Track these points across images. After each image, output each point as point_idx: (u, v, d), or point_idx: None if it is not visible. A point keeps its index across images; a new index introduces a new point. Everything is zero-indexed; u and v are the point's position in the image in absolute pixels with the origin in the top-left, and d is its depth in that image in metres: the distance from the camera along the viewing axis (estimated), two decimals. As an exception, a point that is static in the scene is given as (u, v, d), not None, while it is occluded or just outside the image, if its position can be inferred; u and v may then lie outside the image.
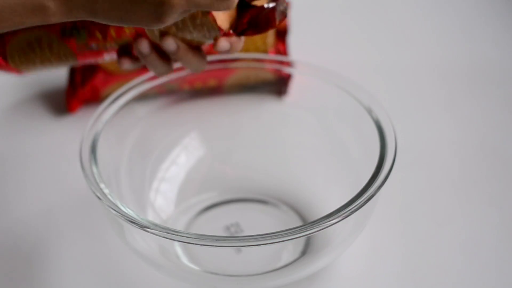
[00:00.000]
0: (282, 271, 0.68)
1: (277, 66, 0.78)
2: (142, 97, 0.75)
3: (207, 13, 0.61)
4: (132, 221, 0.62)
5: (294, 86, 0.87)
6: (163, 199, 0.76)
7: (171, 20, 0.57)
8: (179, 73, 0.76)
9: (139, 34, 0.65)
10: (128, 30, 0.64)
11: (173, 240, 0.61)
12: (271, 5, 0.62)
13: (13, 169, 0.82)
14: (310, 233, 0.61)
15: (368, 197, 0.63)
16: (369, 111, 0.71)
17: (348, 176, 0.73)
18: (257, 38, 0.87)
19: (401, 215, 0.76)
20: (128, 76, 0.87)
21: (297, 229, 0.61)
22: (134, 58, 0.67)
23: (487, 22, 1.04)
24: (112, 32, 0.64)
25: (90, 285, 0.70)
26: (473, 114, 0.88)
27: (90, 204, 0.76)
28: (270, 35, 0.88)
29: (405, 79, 0.94)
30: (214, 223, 0.75)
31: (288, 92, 0.88)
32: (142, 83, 0.75)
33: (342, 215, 0.62)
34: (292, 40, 0.94)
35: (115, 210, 0.63)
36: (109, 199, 0.64)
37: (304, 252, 0.70)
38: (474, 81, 0.93)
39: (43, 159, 0.83)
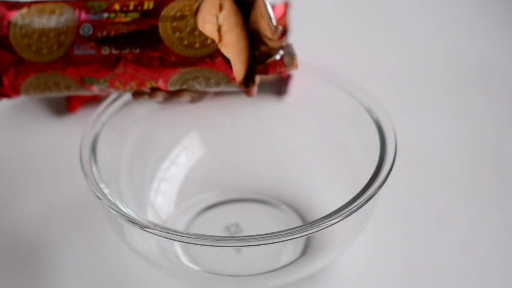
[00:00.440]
0: (282, 271, 0.68)
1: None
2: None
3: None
4: (132, 221, 0.62)
5: (294, 86, 0.87)
6: (163, 199, 0.76)
7: None
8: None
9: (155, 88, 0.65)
10: (150, 85, 0.65)
11: (173, 240, 0.61)
12: (278, 57, 0.66)
13: (13, 169, 0.82)
14: (310, 233, 0.61)
15: (368, 197, 0.63)
16: (369, 111, 0.71)
17: (348, 176, 0.73)
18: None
19: (401, 215, 0.76)
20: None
21: (297, 229, 0.61)
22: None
23: (487, 22, 1.04)
24: (133, 84, 0.65)
25: (90, 285, 0.70)
26: (473, 114, 0.88)
27: (90, 204, 0.76)
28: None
29: (405, 79, 0.94)
30: (214, 223, 0.75)
31: (288, 92, 0.88)
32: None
33: (342, 215, 0.62)
34: (292, 40, 0.94)
35: (115, 210, 0.63)
36: (109, 199, 0.64)
37: (304, 252, 0.70)
38: (474, 81, 0.93)
39: (43, 159, 0.83)
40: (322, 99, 0.76)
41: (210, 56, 0.62)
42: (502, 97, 0.91)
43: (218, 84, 0.63)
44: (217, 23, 0.63)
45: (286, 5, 0.93)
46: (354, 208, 0.62)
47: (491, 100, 0.90)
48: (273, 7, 0.83)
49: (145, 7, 0.63)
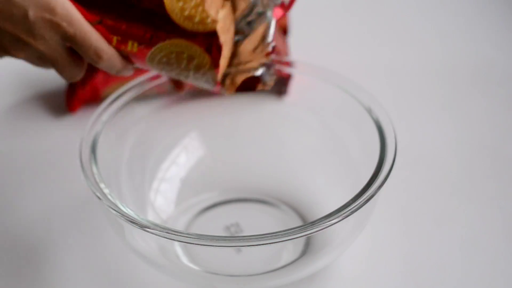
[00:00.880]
0: (282, 271, 0.68)
1: (277, 66, 0.78)
2: (142, 97, 0.75)
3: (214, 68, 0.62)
4: (132, 221, 0.62)
5: (294, 86, 0.87)
6: (163, 199, 0.76)
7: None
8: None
9: None
10: (130, 47, 0.65)
11: (173, 240, 0.61)
12: (259, 73, 0.66)
13: (13, 169, 0.82)
14: (310, 233, 0.61)
15: (368, 197, 0.63)
16: (369, 111, 0.71)
17: (348, 176, 0.73)
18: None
19: (401, 215, 0.76)
20: (128, 76, 0.87)
21: (297, 229, 0.61)
22: None
23: (487, 22, 1.04)
24: (115, 40, 0.64)
25: (90, 285, 0.70)
26: (473, 114, 0.88)
27: (90, 204, 0.76)
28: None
29: (405, 79, 0.94)
30: (214, 223, 0.75)
31: (288, 92, 0.88)
32: (142, 83, 0.75)
33: (342, 215, 0.62)
34: (292, 40, 0.95)
35: (115, 210, 0.63)
36: (109, 199, 0.64)
37: (304, 252, 0.70)
38: (474, 81, 0.93)
39: (43, 159, 0.83)
40: (322, 99, 0.76)
41: (205, 35, 0.62)
42: (502, 97, 0.91)
43: (197, 68, 0.63)
44: (217, 16, 0.63)
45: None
46: (354, 208, 0.62)
47: (491, 100, 0.90)
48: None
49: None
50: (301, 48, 0.95)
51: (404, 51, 0.99)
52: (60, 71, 0.64)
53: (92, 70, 0.88)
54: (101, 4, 0.63)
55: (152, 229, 0.61)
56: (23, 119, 0.89)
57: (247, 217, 0.75)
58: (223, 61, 0.64)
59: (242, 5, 0.66)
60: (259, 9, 0.66)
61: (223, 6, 0.63)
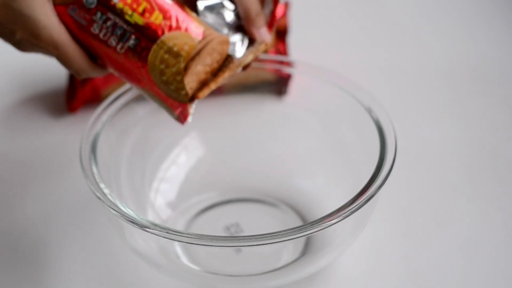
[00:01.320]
0: (282, 271, 0.68)
1: (277, 66, 0.78)
2: (142, 97, 0.75)
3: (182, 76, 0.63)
4: (132, 221, 0.62)
5: (294, 86, 0.87)
6: (163, 199, 0.76)
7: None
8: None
9: None
10: None
11: (173, 240, 0.61)
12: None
13: (13, 169, 0.82)
14: (310, 233, 0.61)
15: (368, 197, 0.63)
16: (369, 111, 0.71)
17: (348, 176, 0.72)
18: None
19: (401, 215, 0.76)
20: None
21: (297, 229, 0.61)
22: None
23: (487, 22, 1.04)
24: None
25: (90, 285, 0.70)
26: (473, 114, 0.88)
27: (90, 204, 0.76)
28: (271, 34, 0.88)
29: (405, 79, 0.94)
30: (214, 223, 0.75)
31: (288, 92, 0.88)
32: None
33: (342, 215, 0.62)
34: (292, 40, 0.95)
35: (115, 210, 0.63)
36: (109, 199, 0.64)
37: (304, 252, 0.70)
38: (474, 81, 0.93)
39: (43, 159, 0.83)
40: (322, 99, 0.76)
41: (177, 101, 0.63)
42: (502, 97, 0.91)
43: (166, 110, 0.65)
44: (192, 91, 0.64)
45: (286, 5, 0.93)
46: (354, 208, 0.62)
47: (491, 100, 0.90)
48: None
49: (153, 18, 0.62)
50: (301, 48, 0.95)
51: (404, 51, 0.99)
52: (65, 66, 0.65)
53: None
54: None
55: (152, 229, 0.61)
56: (23, 119, 0.89)
57: (247, 217, 0.75)
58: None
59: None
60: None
61: (205, 84, 0.64)
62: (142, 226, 0.62)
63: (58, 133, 0.87)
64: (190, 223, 0.75)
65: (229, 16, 0.67)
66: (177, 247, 0.71)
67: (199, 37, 0.62)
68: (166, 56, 0.62)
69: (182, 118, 0.65)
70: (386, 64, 0.96)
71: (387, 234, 0.74)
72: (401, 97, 0.91)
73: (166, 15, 0.62)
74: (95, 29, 0.62)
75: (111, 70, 0.65)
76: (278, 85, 0.89)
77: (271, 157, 0.78)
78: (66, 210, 0.77)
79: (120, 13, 0.62)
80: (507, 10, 1.05)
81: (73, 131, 0.84)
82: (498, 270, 0.71)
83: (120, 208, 0.63)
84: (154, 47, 0.62)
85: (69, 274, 0.71)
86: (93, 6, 0.62)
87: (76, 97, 0.88)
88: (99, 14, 0.62)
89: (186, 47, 0.62)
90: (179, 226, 0.74)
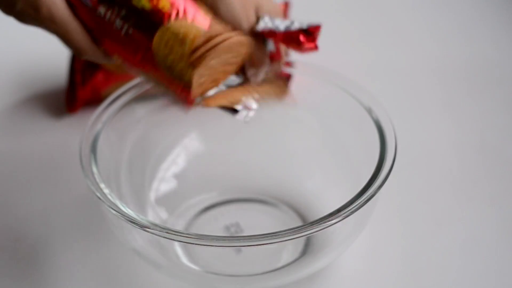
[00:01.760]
0: (282, 271, 0.68)
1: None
2: (142, 97, 0.75)
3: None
4: (132, 221, 0.62)
5: (294, 86, 0.87)
6: (163, 199, 0.76)
7: None
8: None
9: None
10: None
11: (173, 240, 0.61)
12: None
13: (13, 169, 0.82)
14: (310, 233, 0.61)
15: (368, 197, 0.63)
16: (369, 111, 0.71)
17: (348, 176, 0.72)
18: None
19: (401, 215, 0.76)
20: (128, 76, 0.87)
21: (297, 229, 0.61)
22: None
23: (487, 22, 1.04)
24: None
25: (90, 285, 0.70)
26: (473, 114, 0.88)
27: (90, 204, 0.76)
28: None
29: (405, 79, 0.94)
30: (214, 223, 0.75)
31: (288, 92, 0.88)
32: (142, 83, 0.75)
33: (342, 215, 0.62)
34: (292, 40, 0.94)
35: (115, 210, 0.63)
36: (109, 199, 0.64)
37: (304, 252, 0.70)
38: (474, 81, 0.93)
39: (43, 159, 0.83)
40: (322, 99, 0.76)
41: (180, 85, 0.63)
42: (502, 97, 0.91)
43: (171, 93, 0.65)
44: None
45: (286, 5, 0.93)
46: (354, 208, 0.62)
47: (491, 100, 0.90)
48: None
49: (160, 5, 0.62)
50: (301, 48, 0.95)
51: (404, 51, 0.99)
52: (64, 43, 0.65)
53: (92, 70, 0.88)
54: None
55: (152, 229, 0.61)
56: (23, 119, 0.89)
57: (247, 217, 0.75)
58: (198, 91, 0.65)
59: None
60: None
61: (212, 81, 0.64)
62: (142, 226, 0.62)
63: (58, 133, 0.87)
64: (190, 223, 0.75)
65: None
66: (177, 247, 0.71)
67: (205, 28, 0.62)
68: (171, 42, 0.62)
69: (186, 103, 0.64)
70: (386, 64, 0.96)
71: (387, 234, 0.74)
72: (401, 97, 0.91)
73: (173, 4, 0.62)
74: (100, 11, 0.62)
75: (114, 56, 0.64)
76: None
77: (271, 157, 0.78)
78: (66, 210, 0.77)
79: None
80: (507, 10, 1.05)
81: (73, 131, 0.84)
82: (498, 270, 0.71)
83: (120, 208, 0.63)
84: (159, 32, 0.62)
85: (69, 274, 0.71)
86: None
87: (76, 97, 0.88)
88: (106, 1, 0.62)
89: (191, 35, 0.62)
90: (179, 226, 0.74)
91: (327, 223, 0.61)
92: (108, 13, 0.62)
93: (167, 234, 0.61)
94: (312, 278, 0.70)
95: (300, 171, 0.77)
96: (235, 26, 0.65)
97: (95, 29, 0.63)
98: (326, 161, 0.76)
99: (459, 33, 1.02)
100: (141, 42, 0.62)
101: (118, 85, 0.86)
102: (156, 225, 0.62)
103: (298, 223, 0.74)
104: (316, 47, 0.67)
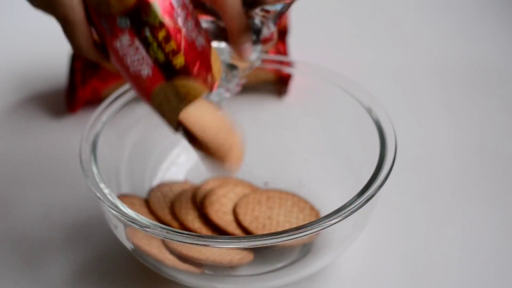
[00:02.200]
0: (282, 271, 0.68)
1: (277, 66, 0.78)
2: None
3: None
4: (132, 221, 0.62)
5: (294, 86, 0.87)
6: (163, 199, 0.76)
7: None
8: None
9: None
10: None
11: (173, 240, 0.61)
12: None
13: (13, 169, 0.82)
14: (310, 233, 0.61)
15: (368, 197, 0.63)
16: (369, 111, 0.71)
17: (348, 176, 0.72)
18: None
19: (401, 215, 0.76)
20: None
21: (297, 229, 0.61)
22: None
23: (487, 22, 1.04)
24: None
25: (90, 285, 0.70)
26: (473, 114, 0.88)
27: (90, 204, 0.76)
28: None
29: (405, 79, 0.94)
30: (214, 223, 0.75)
31: (288, 92, 0.88)
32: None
33: (342, 215, 0.62)
34: (292, 40, 0.95)
35: (115, 210, 0.63)
36: (109, 199, 0.64)
37: (304, 252, 0.70)
38: (474, 81, 0.93)
39: (43, 159, 0.83)
40: (322, 99, 0.76)
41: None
42: (502, 97, 0.91)
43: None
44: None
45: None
46: (354, 208, 0.62)
47: (490, 100, 0.90)
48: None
49: (175, 61, 0.62)
50: (301, 48, 0.95)
51: (404, 51, 0.99)
52: (67, 38, 0.64)
53: (92, 70, 0.88)
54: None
55: (152, 229, 0.61)
56: (23, 119, 0.89)
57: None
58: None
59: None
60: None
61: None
62: (142, 226, 0.62)
63: (58, 133, 0.87)
64: (190, 223, 0.75)
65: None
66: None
67: (207, 91, 0.63)
68: (171, 97, 0.63)
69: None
70: (386, 64, 0.96)
71: (387, 234, 0.74)
72: (401, 97, 0.91)
73: (188, 61, 0.62)
74: (116, 43, 0.62)
75: (114, 65, 0.64)
76: (278, 85, 0.89)
77: (271, 157, 0.78)
78: (66, 210, 0.77)
79: (146, 45, 0.62)
80: (507, 10, 1.05)
81: (73, 131, 0.84)
82: (498, 270, 0.71)
83: (120, 208, 0.63)
84: (163, 84, 0.62)
85: (69, 274, 0.71)
86: (124, 28, 0.62)
87: (76, 97, 0.88)
88: (126, 37, 0.62)
89: (193, 93, 0.63)
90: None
91: (327, 223, 0.61)
92: (123, 50, 0.62)
93: (167, 234, 0.61)
94: (312, 278, 0.70)
95: (300, 171, 0.77)
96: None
97: (105, 42, 0.63)
98: (326, 161, 0.76)
99: (459, 33, 1.02)
100: (142, 86, 0.63)
101: (118, 85, 0.86)
102: (156, 225, 0.62)
103: (298, 223, 0.74)
104: None
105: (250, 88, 0.89)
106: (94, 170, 0.67)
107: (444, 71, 0.95)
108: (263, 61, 0.77)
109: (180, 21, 0.62)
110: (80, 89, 0.88)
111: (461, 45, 1.00)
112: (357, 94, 0.72)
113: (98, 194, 0.64)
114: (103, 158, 0.69)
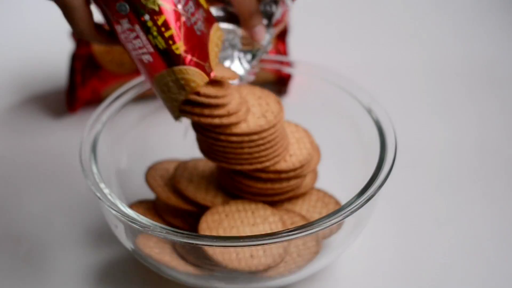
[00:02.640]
0: (282, 271, 0.68)
1: (277, 66, 0.78)
2: (142, 97, 0.75)
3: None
4: (132, 221, 0.62)
5: (294, 86, 0.87)
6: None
7: None
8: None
9: None
10: None
11: (173, 240, 0.61)
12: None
13: (13, 169, 0.82)
14: (310, 233, 0.61)
15: (368, 197, 0.63)
16: (369, 111, 0.71)
17: (348, 176, 0.72)
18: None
19: (401, 215, 0.76)
20: (128, 76, 0.87)
21: (297, 229, 0.61)
22: None
23: (487, 22, 1.04)
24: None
25: (90, 285, 0.70)
26: (472, 114, 0.88)
27: (90, 204, 0.76)
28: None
29: (405, 79, 0.94)
30: (214, 223, 0.75)
31: (288, 92, 0.88)
32: (142, 83, 0.75)
33: (342, 215, 0.62)
34: (292, 40, 0.95)
35: (115, 210, 0.63)
36: (109, 199, 0.64)
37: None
38: (474, 81, 0.93)
39: (43, 159, 0.83)
40: (322, 99, 0.76)
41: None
42: (502, 97, 0.91)
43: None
44: None
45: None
46: (354, 208, 0.62)
47: (491, 100, 0.90)
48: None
49: (174, 47, 0.62)
50: (301, 48, 0.95)
51: (404, 51, 0.99)
52: (68, 23, 0.64)
53: (92, 70, 0.88)
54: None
55: (152, 229, 0.61)
56: (23, 119, 0.89)
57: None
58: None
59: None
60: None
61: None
62: (142, 226, 0.62)
63: (58, 133, 0.87)
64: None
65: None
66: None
67: (207, 79, 0.63)
68: (171, 84, 0.63)
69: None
70: (386, 64, 0.96)
71: (387, 234, 0.74)
72: (401, 97, 0.91)
73: (187, 48, 0.62)
74: (117, 28, 0.62)
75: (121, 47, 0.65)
76: (278, 85, 0.89)
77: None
78: (66, 210, 0.77)
79: (146, 30, 0.62)
80: (507, 10, 1.05)
81: (73, 131, 0.84)
82: (498, 270, 0.71)
83: (120, 208, 0.63)
84: (164, 72, 0.62)
85: (69, 274, 0.71)
86: (124, 13, 0.62)
87: (76, 97, 0.88)
88: (126, 22, 0.62)
89: (192, 84, 0.63)
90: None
91: (327, 223, 0.61)
92: (124, 34, 0.63)
93: (167, 234, 0.61)
94: (312, 278, 0.70)
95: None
96: None
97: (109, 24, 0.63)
98: (326, 161, 0.76)
99: (459, 33, 1.02)
100: (144, 71, 0.63)
101: (118, 85, 0.86)
102: (156, 225, 0.62)
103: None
104: None
105: (250, 88, 0.89)
106: (94, 170, 0.67)
107: (444, 71, 0.95)
108: (263, 61, 0.77)
109: (180, 6, 0.62)
110: (80, 89, 0.88)
111: (461, 45, 1.00)
112: (357, 94, 0.72)
113: (98, 194, 0.64)
114: (103, 158, 0.69)
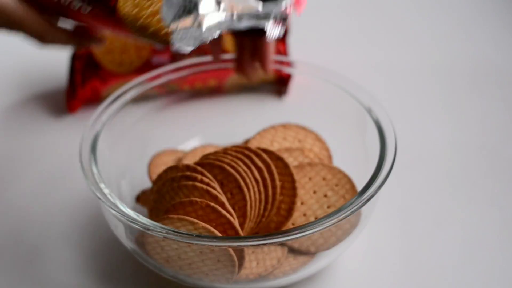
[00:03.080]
0: (282, 271, 0.68)
1: (277, 66, 0.78)
2: (142, 97, 0.75)
3: None
4: (132, 221, 0.62)
5: (294, 86, 0.87)
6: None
7: None
8: (179, 73, 0.76)
9: None
10: None
11: (174, 240, 0.61)
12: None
13: (13, 169, 0.82)
14: (310, 233, 0.61)
15: (368, 197, 0.63)
16: (369, 111, 0.71)
17: (348, 176, 0.72)
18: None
19: (401, 215, 0.76)
20: (128, 76, 0.87)
21: (296, 229, 0.61)
22: None
23: (487, 22, 1.04)
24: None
25: (90, 285, 0.70)
26: (473, 114, 0.88)
27: (90, 204, 0.76)
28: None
29: (405, 79, 0.94)
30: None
31: (288, 92, 0.88)
32: (142, 83, 0.75)
33: (342, 215, 0.62)
34: (292, 40, 0.95)
35: (115, 210, 0.63)
36: (109, 199, 0.64)
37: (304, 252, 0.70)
38: (474, 81, 0.93)
39: (43, 159, 0.83)
40: (322, 99, 0.76)
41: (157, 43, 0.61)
42: (502, 97, 0.91)
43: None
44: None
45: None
46: (354, 208, 0.62)
47: (490, 100, 0.90)
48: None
49: None
50: (301, 48, 0.95)
51: (404, 51, 0.99)
52: (22, 32, 0.63)
53: (92, 70, 0.88)
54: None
55: (152, 229, 0.61)
56: (23, 119, 0.89)
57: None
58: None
59: None
60: None
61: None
62: (142, 226, 0.62)
63: (58, 133, 0.87)
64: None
65: None
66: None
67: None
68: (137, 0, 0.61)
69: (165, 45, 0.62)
70: (386, 64, 0.96)
71: (387, 234, 0.74)
72: (401, 97, 0.91)
73: None
74: (72, 7, 0.61)
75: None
76: (278, 85, 0.89)
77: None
78: (66, 210, 0.77)
79: None
80: (507, 10, 1.05)
81: (73, 131, 0.84)
82: (497, 270, 0.71)
83: (120, 208, 0.63)
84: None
85: (69, 274, 0.71)
86: None
87: (76, 97, 0.88)
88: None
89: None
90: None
91: (328, 222, 0.61)
92: None
93: (167, 234, 0.61)
94: (312, 278, 0.70)
95: (300, 171, 0.77)
96: None
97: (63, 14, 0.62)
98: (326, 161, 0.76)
99: (459, 33, 1.02)
100: (104, 15, 0.61)
101: (118, 85, 0.86)
102: (156, 225, 0.62)
103: (298, 223, 0.74)
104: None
105: (250, 88, 0.89)
106: (94, 170, 0.67)
107: (444, 71, 0.95)
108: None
109: None
110: (80, 89, 0.88)
111: (461, 45, 1.00)
112: (357, 94, 0.72)
113: (98, 194, 0.64)
114: (103, 158, 0.69)
